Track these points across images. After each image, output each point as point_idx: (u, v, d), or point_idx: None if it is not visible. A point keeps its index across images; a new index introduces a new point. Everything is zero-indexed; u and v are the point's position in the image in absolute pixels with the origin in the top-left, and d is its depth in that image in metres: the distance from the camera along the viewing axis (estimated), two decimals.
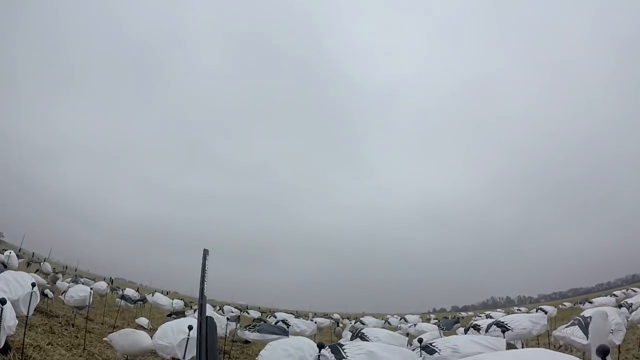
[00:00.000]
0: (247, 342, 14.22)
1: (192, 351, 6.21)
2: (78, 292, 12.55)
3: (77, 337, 10.83)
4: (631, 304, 12.58)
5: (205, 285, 1.12)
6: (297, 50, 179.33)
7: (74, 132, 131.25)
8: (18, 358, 6.31)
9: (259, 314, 26.54)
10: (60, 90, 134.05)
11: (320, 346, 4.58)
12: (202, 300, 1.13)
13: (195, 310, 13.85)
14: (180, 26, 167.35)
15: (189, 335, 6.28)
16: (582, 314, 6.67)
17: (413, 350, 5.39)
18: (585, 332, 5.73)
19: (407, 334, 11.71)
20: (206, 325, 1.05)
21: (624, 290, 30.54)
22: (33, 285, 6.09)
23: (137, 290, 22.18)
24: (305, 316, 21.55)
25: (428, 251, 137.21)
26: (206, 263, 1.21)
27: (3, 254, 15.69)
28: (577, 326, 6.11)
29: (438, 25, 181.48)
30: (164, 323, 11.38)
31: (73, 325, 12.53)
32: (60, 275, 20.08)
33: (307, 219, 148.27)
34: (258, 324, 11.98)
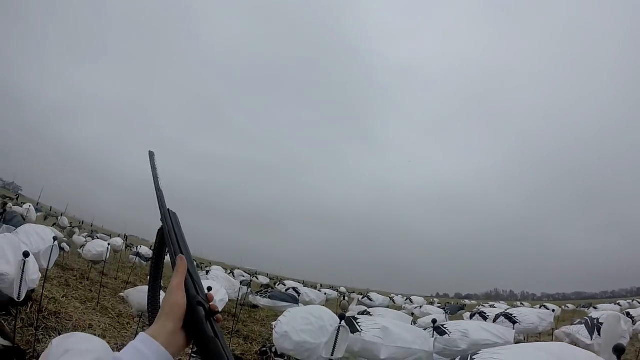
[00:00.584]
0: (255, 307, 14.48)
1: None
2: (96, 247, 12.81)
3: (92, 291, 11.19)
4: (633, 316, 12.67)
5: (159, 182, 1.13)
6: (319, 25, 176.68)
7: (92, 90, 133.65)
8: (35, 309, 6.46)
9: (268, 280, 27.13)
10: (79, 50, 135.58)
11: (342, 317, 4.79)
12: (159, 193, 1.13)
13: (207, 272, 14.36)
14: None
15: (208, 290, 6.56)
16: (590, 316, 6.86)
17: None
18: (591, 333, 5.95)
19: (412, 314, 12.04)
20: (170, 217, 1.08)
21: (630, 301, 30.45)
22: (54, 239, 6.15)
23: (151, 248, 22.90)
24: (313, 286, 22.05)
25: (434, 232, 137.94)
26: (155, 164, 1.20)
27: (22, 207, 16.30)
28: (583, 326, 6.32)
29: (459, 13, 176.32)
30: None
31: (88, 279, 12.93)
32: (76, 230, 20.72)
33: (317, 189, 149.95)
34: (269, 290, 12.41)
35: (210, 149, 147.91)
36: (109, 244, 13.76)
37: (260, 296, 11.22)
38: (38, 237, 5.93)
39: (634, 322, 11.87)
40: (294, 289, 13.61)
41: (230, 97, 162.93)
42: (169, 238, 1.05)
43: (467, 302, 44.18)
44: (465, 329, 5.18)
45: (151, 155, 1.26)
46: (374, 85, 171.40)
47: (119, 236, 23.69)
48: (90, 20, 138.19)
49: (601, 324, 5.82)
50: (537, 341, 8.36)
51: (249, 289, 13.50)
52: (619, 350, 2.17)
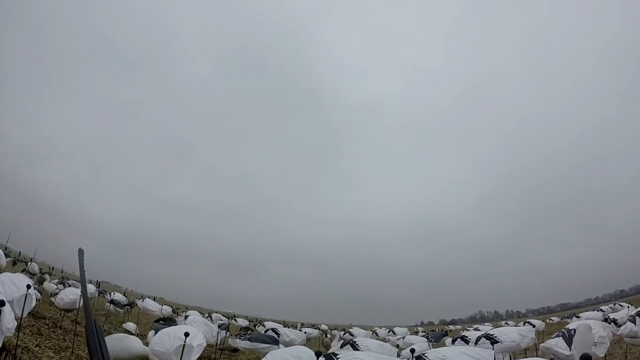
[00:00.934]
0: (235, 350, 14.12)
1: (188, 358, 6.24)
2: (68, 295, 12.58)
3: (65, 340, 10.78)
4: (615, 319, 12.82)
5: (87, 286, 1.02)
6: (285, 65, 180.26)
7: (59, 133, 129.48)
8: (10, 359, 6.29)
9: (247, 322, 26.34)
10: (45, 90, 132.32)
11: (318, 354, 4.68)
12: (86, 298, 1.10)
13: (186, 317, 13.82)
14: (171, 35, 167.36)
15: (185, 342, 6.32)
16: (566, 327, 6.86)
17: None
18: (569, 344, 5.94)
19: (397, 346, 11.80)
20: (95, 326, 1.00)
21: (611, 305, 31.00)
22: (28, 287, 6.08)
23: (125, 295, 21.96)
24: (293, 326, 21.45)
25: (416, 265, 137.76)
26: (83, 263, 1.14)
27: None
28: (561, 338, 6.32)
29: (422, 44, 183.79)
30: (152, 329, 11.36)
31: (60, 328, 12.46)
32: (47, 277, 19.97)
33: (292, 231, 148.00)
34: (248, 333, 12.00)
35: (183, 192, 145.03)
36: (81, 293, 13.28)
37: (240, 339, 10.99)
38: (12, 285, 5.92)
39: (618, 326, 11.95)
40: (274, 329, 13.24)
41: (202, 140, 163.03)
42: (95, 347, 1.00)
43: (451, 327, 43.91)
44: (444, 355, 5.11)
45: (80, 253, 1.21)
46: (341, 122, 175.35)
47: (90, 282, 22.93)
48: (55, 61, 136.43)
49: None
50: (524, 358, 8.29)
51: (228, 332, 13.10)
52: (585, 358, 2.15)
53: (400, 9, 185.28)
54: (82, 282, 1.16)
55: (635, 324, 8.56)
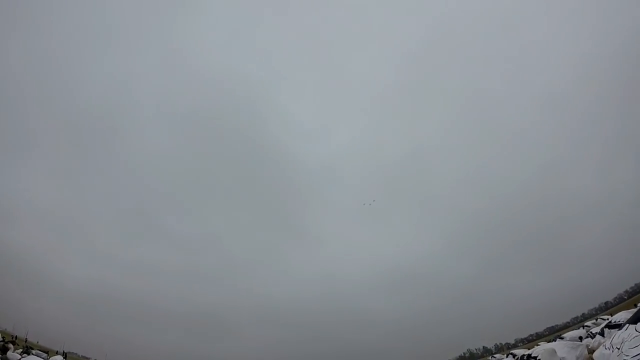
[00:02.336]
0: None
1: None
2: None
3: None
4: (596, 333, 11.55)
5: None
6: (242, 131, 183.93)
7: (21, 195, 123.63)
8: None
9: None
10: (6, 152, 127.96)
11: None
12: None
13: None
14: (133, 103, 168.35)
15: None
16: (528, 354, 5.32)
17: None
18: None
19: None
20: None
21: (594, 321, 30.15)
22: None
23: None
24: None
25: (392, 315, 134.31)
26: None
27: None
28: None
29: (374, 99, 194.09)
30: None
31: None
32: (10, 346, 18.55)
33: (264, 291, 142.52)
34: None
35: (146, 255, 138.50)
36: None
37: None
38: None
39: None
40: None
41: (165, 205, 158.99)
42: None
43: None
44: None
45: None
46: (301, 182, 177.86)
47: (57, 353, 20.86)
48: (18, 124, 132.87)
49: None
50: None
51: None
52: None
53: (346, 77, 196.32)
54: None
55: (603, 336, 7.25)
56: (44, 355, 19.77)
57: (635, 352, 12.26)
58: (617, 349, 12.87)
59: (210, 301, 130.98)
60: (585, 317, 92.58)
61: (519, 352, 21.50)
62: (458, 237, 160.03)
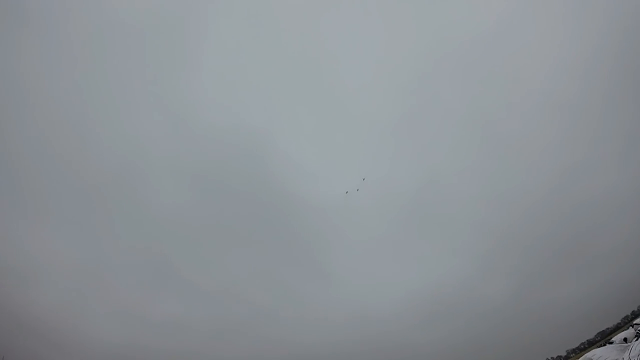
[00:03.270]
0: None
1: None
2: None
3: None
4: None
5: None
6: (253, 179, 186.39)
7: (46, 257, 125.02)
8: None
9: None
10: (30, 216, 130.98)
11: None
12: None
13: None
14: (146, 163, 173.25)
15: None
16: None
17: None
18: None
19: None
20: None
21: None
22: None
23: None
24: None
25: (432, 349, 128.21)
26: None
27: None
28: None
29: (381, 132, 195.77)
30: None
31: None
32: None
33: (293, 339, 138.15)
34: None
35: (170, 310, 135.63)
36: None
37: None
38: None
39: None
40: None
41: (181, 256, 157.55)
42: None
43: None
44: None
45: None
46: (316, 222, 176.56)
47: None
48: (41, 190, 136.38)
49: None
50: None
51: None
52: None
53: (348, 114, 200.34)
54: None
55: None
56: None
57: None
58: None
59: (240, 355, 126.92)
60: (635, 315, 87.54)
61: None
62: (487, 256, 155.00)
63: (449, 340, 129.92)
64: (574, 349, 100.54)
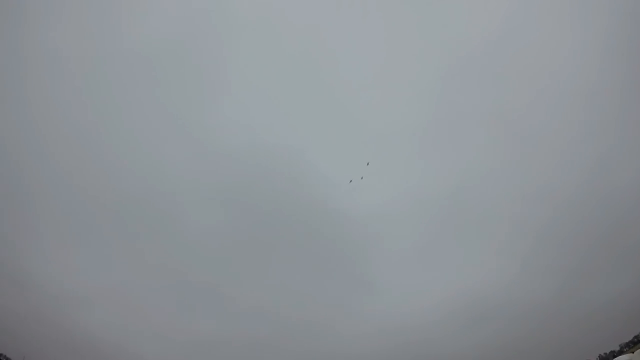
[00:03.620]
0: None
1: None
2: None
3: None
4: None
5: None
6: (285, 197, 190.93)
7: (90, 280, 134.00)
8: None
9: None
10: (65, 243, 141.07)
11: None
12: None
13: None
14: (181, 185, 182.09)
15: None
16: None
17: None
18: None
19: None
20: None
21: None
22: None
23: None
24: None
25: (479, 352, 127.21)
26: None
27: None
28: None
29: (409, 140, 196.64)
30: None
31: None
32: None
33: (337, 350, 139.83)
34: None
35: (209, 329, 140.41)
36: None
37: None
38: None
39: None
40: None
41: (216, 274, 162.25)
42: None
43: None
44: None
45: None
46: (349, 234, 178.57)
47: None
48: (70, 215, 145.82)
49: None
50: None
51: None
52: None
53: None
54: None
55: None
56: None
57: None
58: None
59: None
60: None
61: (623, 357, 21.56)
62: (525, 255, 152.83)
63: (494, 343, 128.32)
64: (627, 343, 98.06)
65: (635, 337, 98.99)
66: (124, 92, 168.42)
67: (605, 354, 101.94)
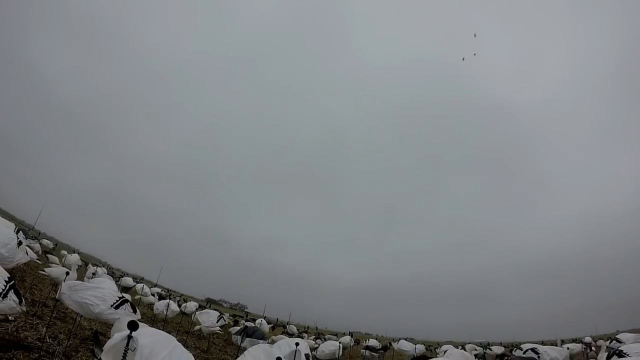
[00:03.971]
0: None
1: None
2: (328, 347, 14.00)
3: None
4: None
5: None
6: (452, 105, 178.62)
7: (287, 225, 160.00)
8: None
9: (502, 349, 21.43)
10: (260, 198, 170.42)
11: None
12: None
13: (444, 352, 12.53)
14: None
15: None
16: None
17: None
18: None
19: None
20: None
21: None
22: (297, 344, 6.41)
23: (377, 339, 20.87)
24: (552, 344, 17.30)
25: None
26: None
27: (254, 322, 18.65)
28: None
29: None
30: None
31: None
32: (305, 335, 22.31)
33: (521, 242, 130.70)
34: (505, 358, 14.36)
35: (400, 244, 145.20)
36: (340, 342, 15.19)
37: None
38: (287, 346, 6.74)
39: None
40: (533, 349, 10.82)
41: (404, 196, 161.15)
42: None
43: None
44: None
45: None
46: (520, 126, 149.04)
47: (344, 334, 23.12)
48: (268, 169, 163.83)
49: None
50: None
51: None
52: None
53: None
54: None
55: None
56: (333, 337, 22.85)
57: None
58: None
59: (467, 269, 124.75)
60: None
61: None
62: None
63: None
64: None
65: None
66: None
67: None
